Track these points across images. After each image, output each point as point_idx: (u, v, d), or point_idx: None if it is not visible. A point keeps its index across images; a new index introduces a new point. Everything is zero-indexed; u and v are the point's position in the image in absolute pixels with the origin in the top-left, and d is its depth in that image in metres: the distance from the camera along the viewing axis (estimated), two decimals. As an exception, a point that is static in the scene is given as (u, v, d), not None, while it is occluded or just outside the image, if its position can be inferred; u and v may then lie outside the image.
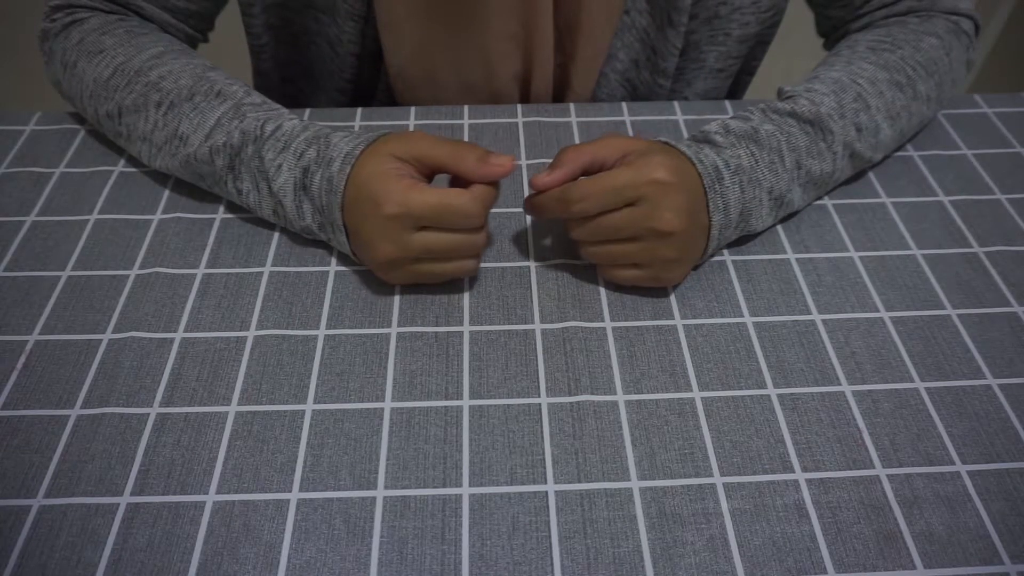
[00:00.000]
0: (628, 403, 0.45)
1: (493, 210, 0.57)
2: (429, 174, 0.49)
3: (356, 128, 0.64)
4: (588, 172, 0.49)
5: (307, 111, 0.64)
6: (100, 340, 0.48)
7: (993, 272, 0.53)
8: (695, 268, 0.53)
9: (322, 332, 0.49)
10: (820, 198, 0.58)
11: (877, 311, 0.51)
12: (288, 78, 0.75)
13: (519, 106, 0.66)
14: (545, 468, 0.43)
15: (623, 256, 0.49)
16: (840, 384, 0.47)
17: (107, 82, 0.57)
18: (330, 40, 0.68)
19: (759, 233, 0.55)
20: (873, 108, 0.56)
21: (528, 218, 0.56)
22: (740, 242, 0.55)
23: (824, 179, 0.55)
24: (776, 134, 0.52)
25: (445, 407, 0.45)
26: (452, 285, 0.52)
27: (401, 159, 0.48)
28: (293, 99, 0.77)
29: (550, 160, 0.61)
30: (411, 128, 0.64)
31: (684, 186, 0.48)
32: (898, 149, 0.63)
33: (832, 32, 0.70)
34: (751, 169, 0.51)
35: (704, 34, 0.67)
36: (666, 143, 0.51)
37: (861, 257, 0.54)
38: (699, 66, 0.69)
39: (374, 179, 0.47)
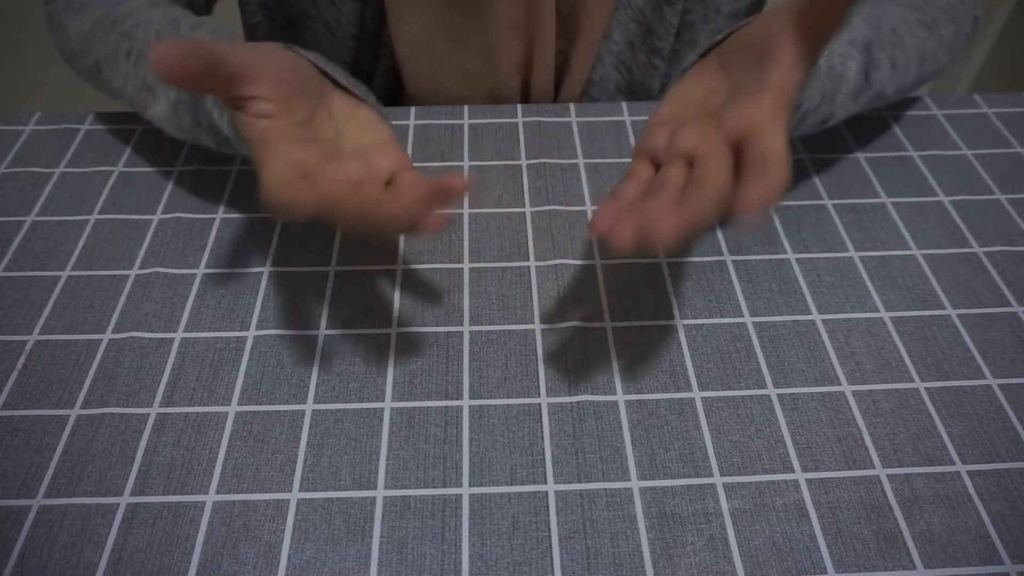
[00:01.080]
0: (628, 403, 0.45)
1: (492, 210, 0.57)
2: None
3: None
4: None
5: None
6: (100, 340, 0.48)
7: (993, 272, 0.53)
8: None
9: (322, 332, 0.49)
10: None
11: (877, 311, 0.51)
12: None
13: (519, 106, 0.66)
14: (545, 468, 0.43)
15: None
16: (840, 384, 0.47)
17: (88, 35, 0.55)
18: (327, 23, 0.67)
19: None
20: (908, 46, 0.53)
21: (528, 218, 0.56)
22: (740, 242, 0.55)
23: (846, 114, 0.52)
24: (845, 74, 0.49)
25: (445, 407, 0.45)
26: (452, 285, 0.52)
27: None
28: None
29: (552, 160, 0.61)
30: (411, 129, 0.64)
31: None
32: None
33: None
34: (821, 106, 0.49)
35: (698, 13, 0.66)
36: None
37: (861, 257, 0.54)
38: (692, 47, 0.69)
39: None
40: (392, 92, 0.72)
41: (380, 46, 0.69)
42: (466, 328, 0.49)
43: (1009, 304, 0.51)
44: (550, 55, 0.66)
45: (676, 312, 0.51)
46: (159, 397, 0.45)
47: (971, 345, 0.49)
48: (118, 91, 0.54)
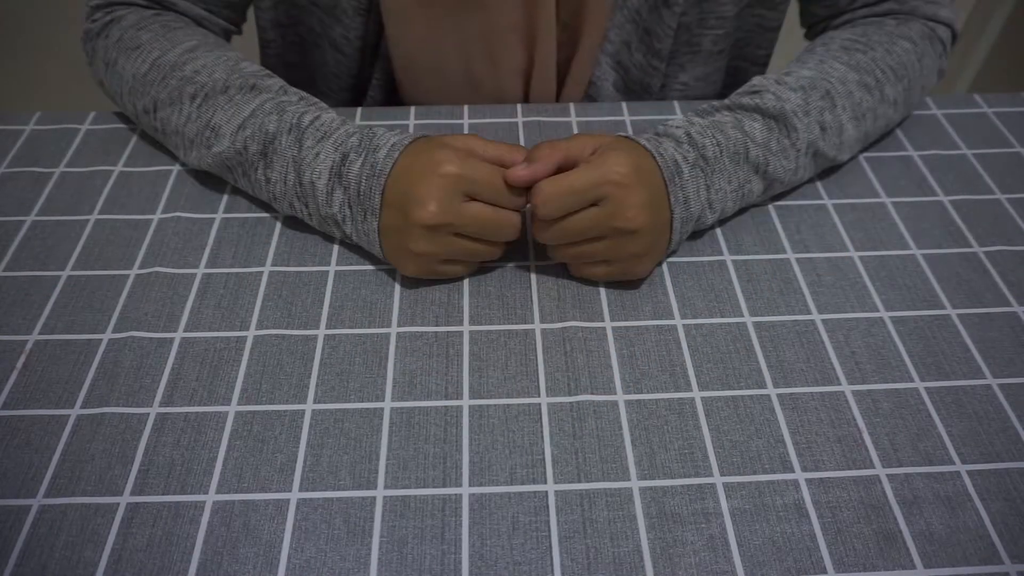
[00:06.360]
0: (628, 403, 0.45)
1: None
2: None
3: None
4: (562, 168, 0.50)
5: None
6: (100, 340, 0.48)
7: (993, 272, 0.53)
8: (660, 263, 0.53)
9: (322, 332, 0.49)
10: (782, 196, 0.58)
11: (877, 311, 0.51)
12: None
13: (519, 106, 0.66)
14: (545, 468, 0.43)
15: (591, 255, 0.50)
16: (840, 384, 0.47)
17: (144, 77, 0.58)
18: (334, 42, 0.68)
19: (712, 226, 0.55)
20: (839, 108, 0.56)
21: (528, 218, 0.56)
22: (740, 242, 0.55)
23: (786, 176, 0.56)
24: (739, 128, 0.53)
25: (445, 407, 0.45)
26: (452, 285, 0.52)
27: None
28: None
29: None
30: (411, 129, 0.64)
31: (643, 182, 0.48)
32: (865, 150, 0.62)
33: (814, 26, 0.70)
34: (714, 160, 0.52)
35: (693, 16, 0.66)
36: (628, 138, 0.51)
37: (861, 257, 0.54)
38: (693, 50, 0.69)
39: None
40: (388, 101, 0.73)
41: (376, 58, 0.69)
42: (466, 328, 0.49)
43: (1009, 304, 0.51)
44: (551, 62, 0.67)
45: (676, 312, 0.51)
46: (159, 397, 0.45)
47: (971, 345, 0.49)
48: (175, 129, 0.57)
